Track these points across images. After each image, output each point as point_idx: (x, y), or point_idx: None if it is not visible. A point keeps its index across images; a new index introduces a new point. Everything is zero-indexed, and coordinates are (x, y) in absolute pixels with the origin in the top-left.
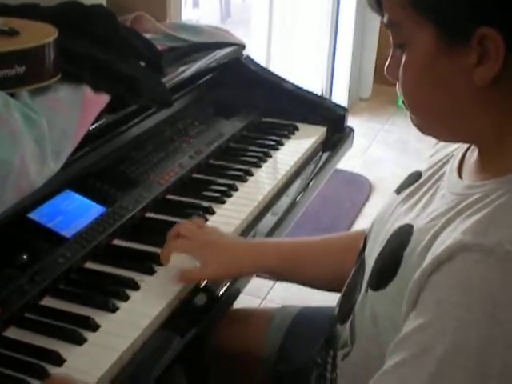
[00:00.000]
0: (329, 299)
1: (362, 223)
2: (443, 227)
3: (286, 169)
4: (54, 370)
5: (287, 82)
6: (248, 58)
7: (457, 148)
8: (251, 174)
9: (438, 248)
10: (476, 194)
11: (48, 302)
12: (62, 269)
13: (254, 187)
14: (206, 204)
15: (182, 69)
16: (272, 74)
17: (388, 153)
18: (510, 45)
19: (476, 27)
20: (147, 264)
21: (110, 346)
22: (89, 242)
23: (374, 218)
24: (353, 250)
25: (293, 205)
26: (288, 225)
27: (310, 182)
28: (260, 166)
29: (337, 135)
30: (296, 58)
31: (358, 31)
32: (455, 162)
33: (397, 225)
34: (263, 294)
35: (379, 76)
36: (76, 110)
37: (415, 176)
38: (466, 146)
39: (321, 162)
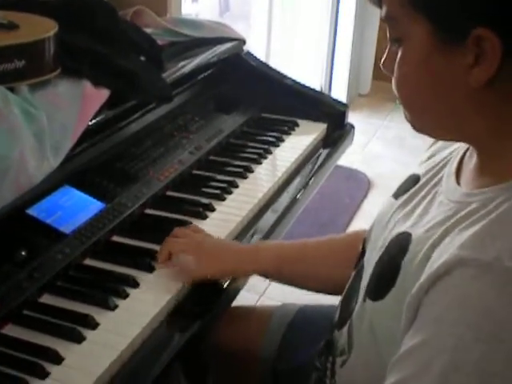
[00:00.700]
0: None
1: (360, 219)
2: (441, 238)
3: (287, 165)
4: (52, 369)
5: (288, 77)
6: (248, 53)
7: (454, 150)
8: (251, 171)
9: (436, 262)
10: (474, 202)
11: (47, 299)
12: (61, 265)
13: (254, 184)
14: (205, 201)
15: (182, 64)
16: (272, 69)
17: (387, 149)
18: (507, 47)
19: (472, 27)
20: (147, 261)
21: (109, 344)
22: (88, 238)
23: (373, 222)
24: (354, 251)
25: (293, 202)
26: (288, 222)
27: (311, 179)
28: (260, 163)
29: (337, 132)
30: (295, 54)
31: (357, 27)
32: (453, 166)
33: (395, 232)
34: (261, 290)
35: (378, 72)
36: (76, 104)
37: (413, 180)
38: (464, 148)
39: (321, 159)
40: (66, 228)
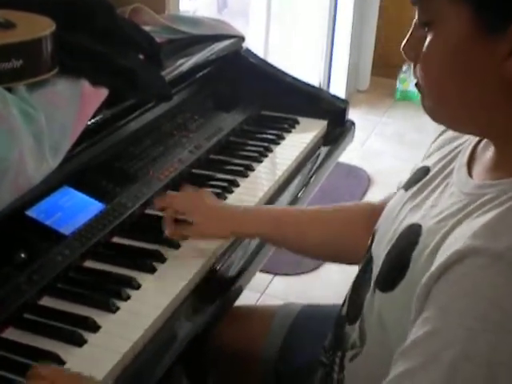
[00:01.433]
0: (328, 295)
1: None
2: (452, 228)
3: (288, 164)
4: None
5: (287, 74)
6: (247, 50)
7: (465, 141)
8: (252, 169)
9: (446, 251)
10: (487, 194)
11: (47, 301)
12: (61, 267)
13: (255, 183)
14: None
15: (180, 62)
16: (272, 66)
17: (386, 145)
18: None
19: None
20: (148, 262)
21: (110, 347)
22: (88, 239)
23: (383, 214)
24: (351, 222)
25: (294, 201)
26: None
27: (312, 177)
28: (261, 161)
29: (338, 129)
30: (294, 50)
31: (356, 23)
32: (464, 157)
33: (405, 223)
34: (262, 289)
35: (377, 68)
36: (74, 104)
37: (423, 171)
38: (476, 139)
39: (322, 157)
40: (66, 229)
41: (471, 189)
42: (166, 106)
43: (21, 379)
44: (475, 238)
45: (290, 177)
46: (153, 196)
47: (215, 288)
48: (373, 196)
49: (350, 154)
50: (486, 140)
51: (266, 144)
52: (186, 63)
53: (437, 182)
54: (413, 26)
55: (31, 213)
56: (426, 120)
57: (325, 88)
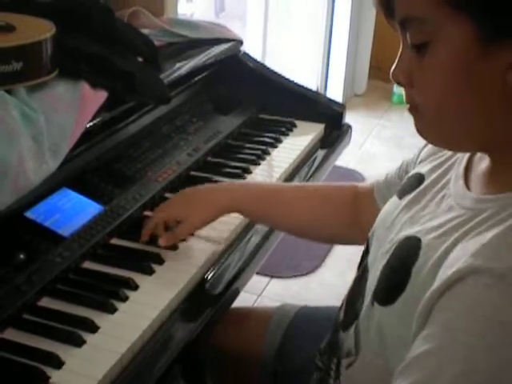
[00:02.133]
0: (325, 297)
1: None
2: (453, 245)
3: (285, 167)
4: (52, 373)
5: (285, 78)
6: (245, 54)
7: None
8: (250, 172)
9: (448, 269)
10: (487, 209)
11: (46, 302)
12: (60, 268)
13: None
14: None
15: (179, 65)
16: (270, 70)
17: (383, 149)
18: None
19: None
20: (146, 264)
21: (109, 347)
22: (87, 241)
23: (376, 222)
24: (330, 200)
25: None
26: None
27: (308, 180)
28: (258, 164)
29: (335, 132)
30: (291, 54)
31: (353, 26)
32: (460, 168)
33: (402, 235)
34: (259, 291)
35: (374, 72)
36: (74, 106)
37: (417, 179)
38: None
39: (319, 160)
40: (65, 231)
41: (470, 203)
42: (164, 109)
43: (20, 379)
44: (477, 257)
45: (287, 180)
46: (151, 198)
47: (213, 290)
48: None
49: (347, 157)
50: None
51: (263, 147)
52: (185, 66)
53: (432, 192)
54: (400, 50)
55: (30, 214)
56: None
57: (322, 91)
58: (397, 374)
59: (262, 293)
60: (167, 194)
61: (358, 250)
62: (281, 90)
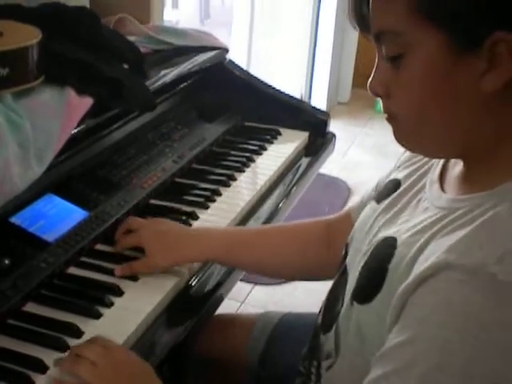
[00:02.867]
0: (308, 304)
1: None
2: (427, 242)
3: (269, 174)
4: (37, 378)
5: (270, 86)
6: (231, 62)
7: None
8: (234, 179)
9: (422, 264)
10: (461, 208)
11: (31, 308)
12: (45, 274)
13: (237, 192)
14: (189, 209)
15: (164, 72)
16: (255, 78)
17: (366, 156)
18: None
19: (490, 32)
20: None
21: None
22: (72, 246)
23: (355, 226)
24: (313, 242)
25: (275, 211)
26: None
27: (293, 187)
28: (243, 171)
29: (319, 140)
30: (276, 62)
31: (337, 36)
32: (435, 173)
33: (380, 236)
34: (242, 298)
35: (358, 80)
36: (60, 112)
37: (394, 184)
38: None
39: (303, 168)
40: (50, 236)
41: (445, 202)
42: (149, 116)
43: None
44: (450, 253)
45: (271, 187)
46: (136, 205)
47: (197, 296)
48: None
49: (331, 165)
50: None
51: (248, 154)
52: (170, 74)
53: (409, 196)
54: (377, 62)
55: (15, 220)
56: None
57: (306, 99)
58: (373, 363)
59: (245, 300)
60: (152, 201)
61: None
62: (265, 98)
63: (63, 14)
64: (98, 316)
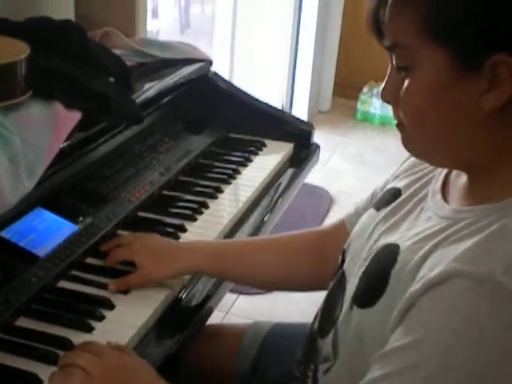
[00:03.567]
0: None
1: None
2: (432, 249)
3: (256, 186)
4: None
5: (254, 98)
6: (215, 74)
7: (435, 168)
8: (221, 191)
9: (430, 271)
10: (465, 219)
11: (23, 322)
12: (36, 288)
13: (224, 205)
14: (177, 222)
15: (150, 85)
16: (239, 90)
17: (348, 165)
18: None
19: (492, 53)
20: None
21: None
22: (62, 260)
23: (353, 233)
24: (304, 252)
25: (262, 223)
26: None
27: (279, 198)
28: (230, 183)
29: (304, 151)
30: (257, 71)
31: (318, 45)
32: (438, 184)
33: (381, 243)
34: (227, 308)
35: (338, 89)
36: (48, 127)
37: (394, 193)
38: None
39: (288, 179)
40: (40, 251)
41: (448, 213)
42: (136, 129)
43: None
44: (457, 261)
45: (257, 198)
46: (124, 218)
47: (187, 308)
48: (335, 215)
49: (313, 174)
50: None
51: (234, 166)
52: (155, 87)
53: (410, 205)
54: (389, 71)
55: (5, 234)
56: (386, 141)
57: (288, 108)
58: (373, 362)
59: (229, 310)
60: (140, 213)
61: None
62: (250, 110)
63: (50, 28)
64: (89, 329)
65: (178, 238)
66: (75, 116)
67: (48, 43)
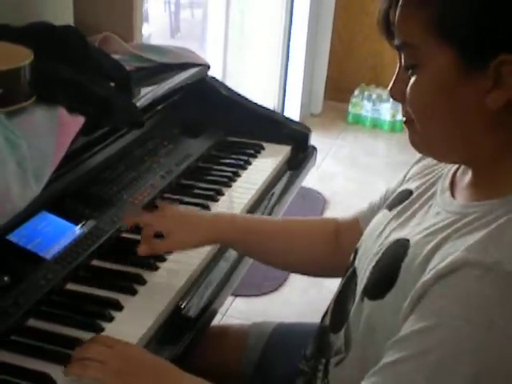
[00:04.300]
0: (289, 314)
1: None
2: (441, 242)
3: (255, 188)
4: None
5: (251, 102)
6: (212, 78)
7: (444, 167)
8: (222, 194)
9: (440, 262)
10: (473, 213)
11: (33, 323)
12: (45, 290)
13: (225, 207)
14: None
15: (149, 89)
16: (236, 93)
17: (340, 168)
18: None
19: (497, 53)
20: (128, 284)
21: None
22: (68, 263)
23: (366, 232)
24: (323, 240)
25: None
26: None
27: (277, 201)
28: (230, 186)
29: (301, 154)
30: (249, 74)
31: (309, 49)
32: (446, 182)
33: (391, 238)
34: (224, 310)
35: (330, 92)
36: (53, 131)
37: (406, 194)
38: (455, 166)
39: (287, 181)
40: (47, 253)
41: (456, 208)
42: (136, 133)
43: None
44: (468, 252)
45: (257, 201)
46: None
47: (192, 310)
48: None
49: (306, 176)
50: (463, 166)
51: (234, 169)
52: (154, 91)
53: (420, 202)
54: (397, 69)
55: (13, 237)
56: (377, 143)
57: (280, 111)
58: (387, 347)
59: (226, 312)
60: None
61: None
62: (248, 113)
63: (51, 34)
64: (100, 330)
65: None
66: (79, 120)
67: (49, 48)
